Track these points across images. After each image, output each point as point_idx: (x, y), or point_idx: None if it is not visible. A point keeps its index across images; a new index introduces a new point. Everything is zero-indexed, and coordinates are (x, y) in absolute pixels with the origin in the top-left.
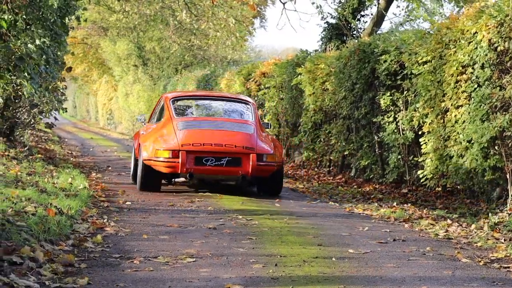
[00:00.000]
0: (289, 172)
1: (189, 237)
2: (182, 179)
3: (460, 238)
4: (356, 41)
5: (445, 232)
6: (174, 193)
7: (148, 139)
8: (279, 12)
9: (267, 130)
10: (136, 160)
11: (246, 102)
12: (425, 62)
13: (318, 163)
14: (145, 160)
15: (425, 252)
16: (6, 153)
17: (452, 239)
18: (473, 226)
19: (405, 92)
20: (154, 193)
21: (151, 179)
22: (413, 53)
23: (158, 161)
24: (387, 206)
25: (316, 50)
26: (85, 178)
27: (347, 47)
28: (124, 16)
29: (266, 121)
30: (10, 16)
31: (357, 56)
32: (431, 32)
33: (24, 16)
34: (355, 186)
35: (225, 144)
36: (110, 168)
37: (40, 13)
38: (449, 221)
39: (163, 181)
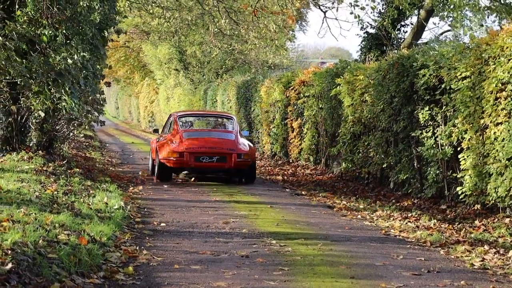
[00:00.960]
0: (327, 183)
1: (221, 267)
2: (186, 172)
3: (496, 269)
4: (395, 53)
5: (481, 260)
6: (209, 212)
7: (163, 145)
8: (320, 16)
9: (247, 136)
10: (153, 160)
11: (229, 118)
12: (464, 78)
13: (357, 174)
14: (161, 159)
15: (459, 286)
16: (45, 168)
17: (488, 269)
18: (510, 253)
19: (444, 107)
20: (189, 213)
21: (165, 173)
22: (452, 68)
23: (170, 159)
24: (424, 227)
25: (355, 60)
26: (122, 195)
27: (386, 60)
28: (166, 21)
29: (246, 130)
30: (50, 31)
31: (396, 70)
32: (470, 47)
33: (64, 31)
34: (393, 200)
35: (215, 147)
36: (148, 181)
37: (80, 27)
38: (486, 247)
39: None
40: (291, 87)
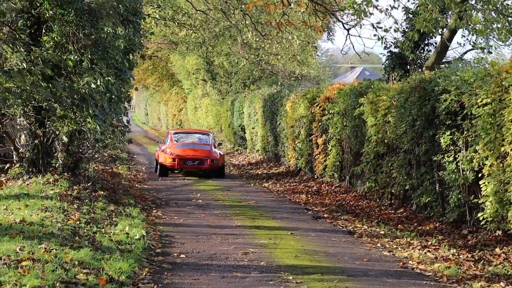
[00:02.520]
0: (350, 203)
1: None
2: (176, 171)
3: None
4: (418, 76)
5: None
6: (229, 240)
7: (162, 152)
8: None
9: (221, 145)
10: (156, 161)
11: (208, 133)
12: (485, 104)
13: (380, 194)
14: (161, 162)
15: None
16: (69, 192)
17: None
18: None
19: (465, 132)
20: (209, 242)
21: (163, 171)
22: (473, 94)
23: (166, 162)
24: (442, 258)
25: (379, 79)
26: (144, 221)
27: (408, 82)
28: (193, 31)
29: (220, 141)
30: (76, 56)
31: (418, 93)
32: (491, 74)
33: (89, 56)
34: (415, 224)
35: (196, 155)
36: (173, 202)
37: (105, 52)
38: (502, 284)
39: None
40: (316, 103)
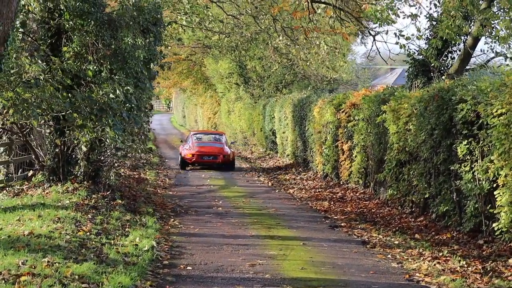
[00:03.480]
0: (372, 210)
1: None
2: (196, 164)
3: None
4: (437, 84)
5: None
6: (240, 251)
7: (184, 149)
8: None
9: (232, 144)
10: (179, 156)
11: (221, 134)
12: (500, 115)
13: (402, 202)
14: (183, 156)
15: None
16: (87, 201)
17: None
18: None
19: (481, 142)
20: (220, 252)
21: (184, 164)
22: (489, 104)
23: (186, 157)
24: (450, 270)
25: (403, 86)
26: (158, 230)
27: (427, 91)
28: (226, 36)
29: (233, 140)
30: (95, 66)
31: (436, 102)
32: (507, 84)
33: (108, 66)
34: (433, 233)
35: (211, 151)
36: (193, 209)
37: (125, 62)
38: None
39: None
40: (342, 110)
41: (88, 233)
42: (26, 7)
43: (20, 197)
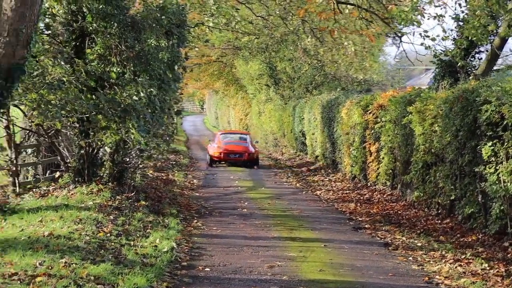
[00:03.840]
0: (398, 212)
1: None
2: (222, 162)
3: None
4: (461, 86)
5: None
6: (260, 252)
7: (212, 147)
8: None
9: (256, 143)
10: (208, 155)
11: (246, 134)
12: None
13: (428, 204)
14: (211, 155)
15: None
16: (110, 203)
17: None
18: None
19: (505, 144)
20: (239, 254)
21: (212, 162)
22: None
23: (214, 155)
24: (471, 273)
25: (429, 88)
26: (180, 232)
27: (452, 92)
28: (256, 37)
29: (257, 140)
30: (118, 68)
31: (461, 103)
32: None
33: (132, 68)
34: (458, 235)
35: (237, 149)
36: (217, 211)
37: (148, 64)
38: None
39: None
40: (369, 111)
41: (108, 234)
42: (50, 9)
43: (46, 198)
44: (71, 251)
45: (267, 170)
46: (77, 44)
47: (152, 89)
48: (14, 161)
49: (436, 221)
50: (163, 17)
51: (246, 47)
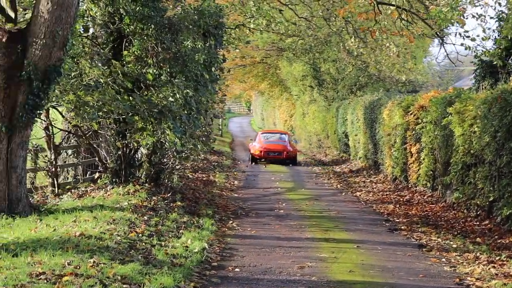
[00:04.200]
0: (437, 214)
1: None
2: (263, 160)
3: None
4: (500, 86)
5: None
6: (291, 253)
7: (254, 146)
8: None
9: (296, 143)
10: (249, 153)
11: (286, 133)
12: None
13: (468, 205)
14: (252, 153)
15: None
16: (146, 203)
17: None
18: None
19: None
20: (271, 255)
21: (253, 160)
22: None
23: (255, 153)
24: (503, 275)
25: (470, 89)
26: (213, 233)
27: (491, 92)
28: (299, 38)
29: (296, 139)
30: (155, 70)
31: (499, 104)
32: None
33: (168, 69)
34: (496, 236)
35: (276, 148)
36: (254, 212)
37: (184, 66)
38: None
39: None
40: (410, 112)
41: (140, 235)
42: (88, 12)
43: (83, 198)
44: (100, 251)
45: (309, 171)
46: (115, 46)
47: (188, 91)
48: (54, 162)
49: (475, 223)
50: (200, 18)
51: (290, 48)
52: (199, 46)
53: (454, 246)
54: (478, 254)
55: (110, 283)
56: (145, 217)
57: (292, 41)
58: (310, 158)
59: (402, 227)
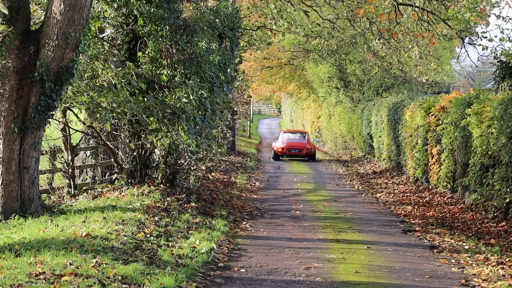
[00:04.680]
0: (455, 215)
1: None
2: (285, 156)
3: None
4: None
5: None
6: (300, 254)
7: (276, 144)
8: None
9: (315, 142)
10: (272, 150)
11: (305, 133)
12: None
13: (485, 207)
14: (274, 150)
15: None
16: (159, 204)
17: None
18: None
19: None
20: (279, 255)
21: (276, 157)
22: None
23: (278, 150)
24: (510, 276)
25: (489, 90)
26: (225, 233)
27: (508, 93)
28: (325, 39)
29: (317, 138)
30: (169, 71)
31: None
32: None
33: (182, 71)
34: (511, 238)
35: (297, 146)
36: (269, 213)
37: (199, 67)
38: None
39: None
40: (431, 113)
41: (148, 235)
42: (103, 13)
43: (97, 199)
44: (105, 251)
45: (332, 173)
46: (130, 47)
47: (203, 92)
48: (70, 163)
49: (492, 224)
50: (216, 20)
51: (316, 49)
52: (214, 47)
53: (466, 247)
54: (489, 255)
55: (109, 283)
56: (156, 218)
57: (318, 43)
58: (335, 160)
59: (417, 228)
